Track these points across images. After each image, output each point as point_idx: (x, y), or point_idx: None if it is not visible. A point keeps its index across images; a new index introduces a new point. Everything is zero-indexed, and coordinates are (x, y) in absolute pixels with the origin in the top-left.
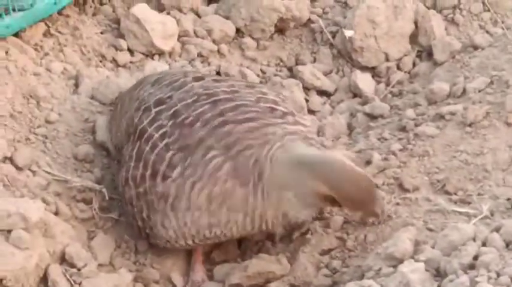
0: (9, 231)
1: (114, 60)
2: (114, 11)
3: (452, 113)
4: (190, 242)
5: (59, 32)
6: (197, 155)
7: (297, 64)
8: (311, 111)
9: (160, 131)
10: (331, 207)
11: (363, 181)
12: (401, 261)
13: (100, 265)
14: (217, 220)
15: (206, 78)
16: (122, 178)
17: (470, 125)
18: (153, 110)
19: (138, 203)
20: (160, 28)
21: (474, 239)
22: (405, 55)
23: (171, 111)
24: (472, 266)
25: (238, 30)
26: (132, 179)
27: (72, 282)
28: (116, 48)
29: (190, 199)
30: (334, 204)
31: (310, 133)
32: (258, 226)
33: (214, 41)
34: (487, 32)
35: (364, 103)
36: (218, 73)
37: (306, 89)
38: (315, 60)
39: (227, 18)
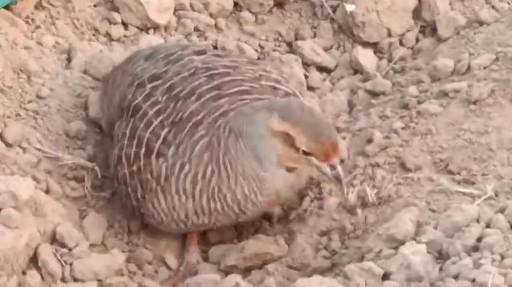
0: None
1: (107, 34)
2: None
3: (457, 91)
4: (182, 226)
5: (51, 5)
6: (187, 133)
7: (296, 39)
8: (310, 88)
9: (155, 108)
10: (289, 151)
11: (320, 117)
12: (402, 243)
13: (92, 245)
14: (200, 208)
15: (208, 52)
16: (115, 156)
17: (474, 103)
18: (148, 86)
19: (131, 181)
20: (156, 1)
21: (478, 221)
22: (408, 30)
23: (167, 85)
24: (475, 248)
25: (236, 4)
26: (125, 157)
27: (63, 262)
28: (110, 22)
29: (179, 181)
30: (290, 146)
31: None
32: (240, 212)
33: (211, 15)
34: (493, 7)
35: (365, 80)
36: (215, 48)
37: (306, 64)
38: (315, 35)
39: None
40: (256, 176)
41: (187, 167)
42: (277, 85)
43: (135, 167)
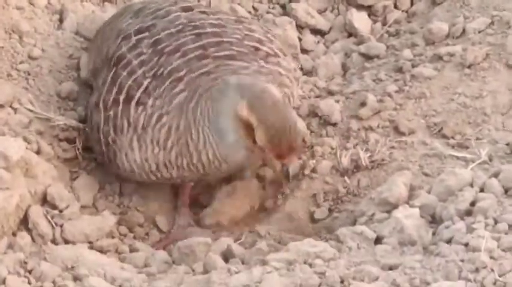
0: None
1: None
2: None
3: (451, 54)
4: (153, 177)
5: None
6: (167, 87)
7: (290, 1)
8: (304, 51)
9: (140, 58)
10: (248, 139)
11: (286, 117)
12: (395, 206)
13: (83, 207)
14: (169, 161)
15: (195, 9)
16: (92, 102)
17: (469, 67)
18: (134, 38)
19: (105, 127)
20: None
21: (471, 185)
22: None
23: (153, 39)
24: (469, 213)
25: None
26: (103, 103)
27: (54, 224)
28: None
29: (154, 132)
30: (250, 135)
31: (289, 77)
32: (204, 171)
33: None
34: None
35: (359, 43)
36: None
37: (300, 27)
38: None
39: None
40: (218, 147)
41: (164, 119)
42: (259, 45)
43: (111, 112)
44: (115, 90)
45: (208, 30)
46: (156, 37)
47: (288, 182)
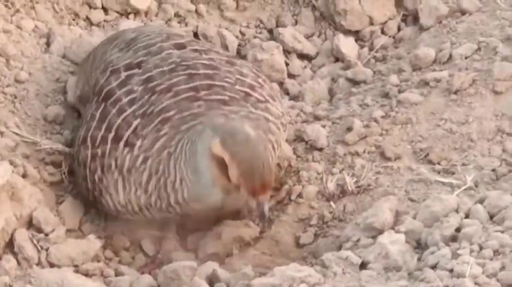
0: None
1: (87, 19)
2: None
3: (438, 80)
4: (137, 217)
5: None
6: (154, 127)
7: (277, 26)
8: (291, 75)
9: (130, 97)
10: (222, 177)
11: (259, 154)
12: (381, 232)
13: (68, 231)
14: (149, 204)
15: (187, 47)
16: (80, 137)
17: (455, 93)
18: (123, 73)
19: (92, 164)
20: None
21: (457, 211)
22: (390, 19)
23: (145, 76)
24: (454, 239)
25: None
26: (91, 139)
27: (39, 247)
28: (90, 6)
29: (137, 174)
30: (224, 173)
31: (277, 123)
32: (182, 214)
33: (192, 1)
34: None
35: (346, 68)
36: (195, 34)
37: (287, 52)
38: (296, 23)
39: None
40: (194, 189)
41: (149, 161)
42: (250, 91)
43: (99, 150)
44: (104, 127)
45: (201, 71)
46: (148, 74)
47: (264, 223)
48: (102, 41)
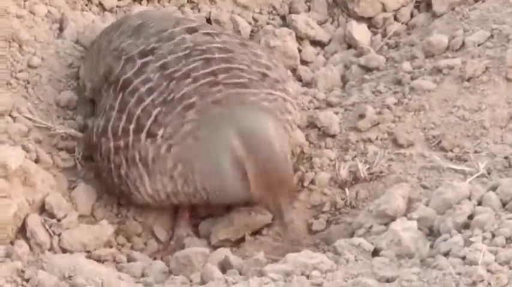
0: None
1: (100, 4)
2: None
3: (450, 67)
4: (164, 204)
5: None
6: (177, 114)
7: (290, 12)
8: (304, 62)
9: (147, 85)
10: (240, 178)
11: (277, 158)
12: (393, 219)
13: (81, 216)
14: (177, 191)
15: (199, 30)
16: (99, 127)
17: (468, 80)
18: (138, 61)
19: (116, 157)
20: None
21: (469, 198)
22: (403, 6)
23: (159, 63)
24: (466, 226)
25: None
26: (112, 130)
27: (51, 233)
28: None
29: (162, 163)
30: (243, 172)
31: (293, 103)
32: (208, 199)
33: None
34: None
35: (359, 55)
36: (208, 20)
37: (299, 38)
38: (309, 9)
39: None
40: (218, 180)
41: (173, 150)
42: (267, 71)
43: (122, 142)
44: (124, 118)
45: (217, 55)
46: (164, 60)
47: (287, 232)
48: (104, 29)
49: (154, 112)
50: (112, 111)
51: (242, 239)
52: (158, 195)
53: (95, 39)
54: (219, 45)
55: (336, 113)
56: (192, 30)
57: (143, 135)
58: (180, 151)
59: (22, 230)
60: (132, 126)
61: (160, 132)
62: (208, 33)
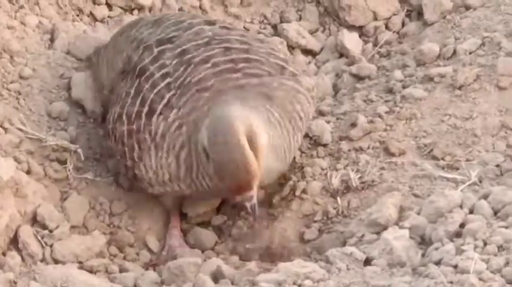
0: None
1: (91, 15)
2: None
3: (442, 75)
4: (168, 189)
5: None
6: (191, 95)
7: (281, 22)
8: None
9: (162, 71)
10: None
11: (236, 155)
12: (385, 228)
13: (73, 227)
14: (180, 174)
15: (217, 24)
16: (115, 113)
17: (460, 88)
18: (155, 49)
19: (129, 141)
20: None
21: (461, 206)
22: (394, 14)
23: (178, 50)
24: (458, 234)
25: None
26: (126, 115)
27: (44, 244)
28: (94, 2)
29: (171, 139)
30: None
31: (307, 96)
32: (210, 190)
33: None
34: None
35: (350, 63)
36: None
37: (291, 47)
38: (300, 18)
39: None
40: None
41: (183, 128)
42: (285, 64)
43: (135, 126)
44: (138, 102)
45: (236, 46)
46: (183, 47)
47: (254, 218)
48: (119, 30)
49: (168, 95)
50: (127, 97)
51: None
52: (162, 172)
53: (109, 41)
54: (237, 37)
55: (328, 122)
56: (210, 23)
57: (154, 117)
58: (189, 133)
59: (14, 241)
60: (145, 110)
61: (174, 111)
62: (225, 27)
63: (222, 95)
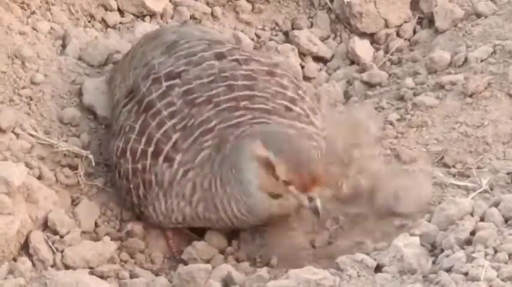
0: None
1: (103, 21)
2: None
3: (453, 83)
4: (180, 226)
5: None
6: (195, 139)
7: (293, 29)
8: (306, 78)
9: (170, 109)
10: (269, 178)
11: (303, 148)
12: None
13: (84, 233)
14: (196, 215)
15: (227, 57)
16: (118, 148)
17: (471, 96)
18: (164, 84)
19: (134, 179)
20: None
21: (472, 214)
22: (405, 22)
23: (184, 88)
24: (469, 242)
25: None
26: (130, 152)
27: (54, 249)
28: (106, 8)
29: (179, 187)
30: (271, 173)
31: (320, 134)
32: (232, 224)
33: (207, 3)
34: None
35: (361, 71)
36: None
37: (302, 54)
38: (311, 25)
39: None
40: (243, 200)
41: (189, 175)
42: (291, 105)
43: (139, 165)
44: (143, 140)
45: (240, 82)
46: (188, 86)
47: (318, 218)
48: (140, 39)
49: (174, 137)
50: (132, 133)
51: None
52: (174, 215)
53: (130, 49)
54: (243, 72)
55: None
56: (221, 56)
57: (161, 159)
58: (198, 178)
59: (25, 247)
60: (150, 149)
61: (178, 157)
62: (236, 60)
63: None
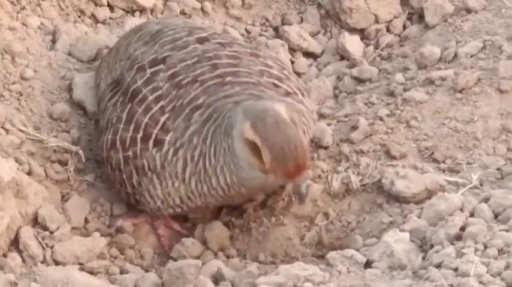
0: None
1: (93, 16)
2: None
3: (443, 79)
4: (178, 210)
5: None
6: (184, 117)
7: (283, 24)
8: (296, 73)
9: (156, 94)
10: (256, 160)
11: (290, 136)
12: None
13: (73, 228)
14: (191, 192)
15: (211, 40)
16: (107, 141)
17: (460, 91)
18: (148, 71)
19: (126, 168)
20: None
21: (462, 210)
22: (395, 17)
23: (169, 72)
24: (458, 237)
25: None
26: (120, 141)
27: (44, 245)
28: (96, 4)
29: (171, 166)
30: (258, 156)
31: (310, 116)
32: (225, 195)
33: None
34: None
35: (351, 66)
36: None
37: (292, 50)
38: (301, 21)
39: None
40: (235, 172)
41: (180, 152)
42: (278, 82)
43: (130, 153)
44: (131, 128)
45: (224, 61)
46: (173, 70)
47: (303, 202)
48: (124, 34)
49: (162, 119)
50: (119, 123)
51: None
52: (171, 199)
53: (114, 44)
54: (227, 53)
55: (329, 125)
56: (203, 40)
57: (151, 142)
58: (188, 152)
59: (15, 243)
60: (139, 135)
61: (168, 138)
62: (219, 43)
63: (231, 98)
